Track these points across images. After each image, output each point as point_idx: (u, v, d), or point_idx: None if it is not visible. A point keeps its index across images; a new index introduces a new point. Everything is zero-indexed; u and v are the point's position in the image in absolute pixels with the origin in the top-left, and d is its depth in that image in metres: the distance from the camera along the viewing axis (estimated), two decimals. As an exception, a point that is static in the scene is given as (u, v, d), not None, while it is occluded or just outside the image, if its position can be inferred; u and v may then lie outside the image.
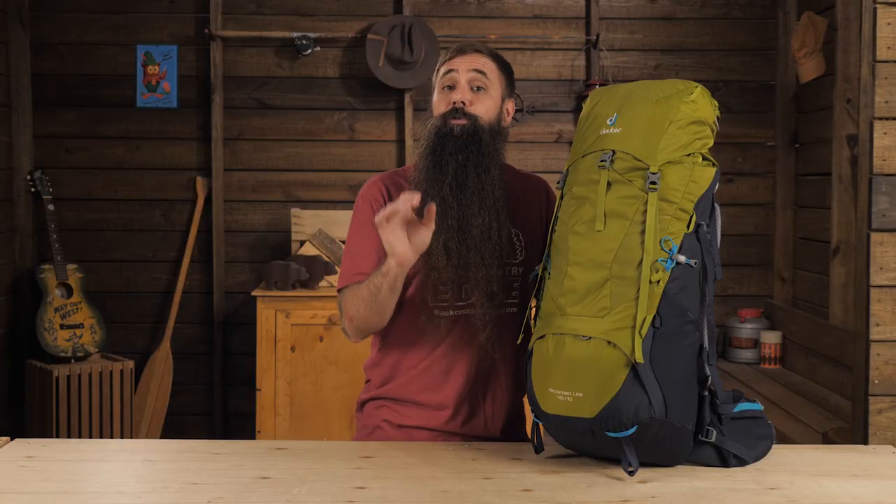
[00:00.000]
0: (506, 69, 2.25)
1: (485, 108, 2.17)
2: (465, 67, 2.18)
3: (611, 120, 1.87)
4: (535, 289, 1.94)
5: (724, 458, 1.84)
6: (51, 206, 4.55)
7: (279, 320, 4.11)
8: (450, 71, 2.18)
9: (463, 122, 2.14)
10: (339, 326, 2.21)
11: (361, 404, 2.28)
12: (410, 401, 2.19)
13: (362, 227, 2.19)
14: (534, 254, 2.23)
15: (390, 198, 2.18)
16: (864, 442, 2.17)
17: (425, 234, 1.95)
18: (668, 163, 1.79)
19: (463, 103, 2.15)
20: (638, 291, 1.73)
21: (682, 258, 1.76)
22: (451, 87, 2.18)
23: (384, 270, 2.01)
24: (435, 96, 2.21)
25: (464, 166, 2.11)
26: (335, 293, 2.26)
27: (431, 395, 2.17)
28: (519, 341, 2.10)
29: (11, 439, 2.02)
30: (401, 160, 4.73)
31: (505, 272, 2.16)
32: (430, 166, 2.12)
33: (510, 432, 2.23)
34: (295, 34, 4.67)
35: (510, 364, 2.21)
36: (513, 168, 2.29)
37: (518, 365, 2.22)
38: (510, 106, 2.26)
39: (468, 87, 2.17)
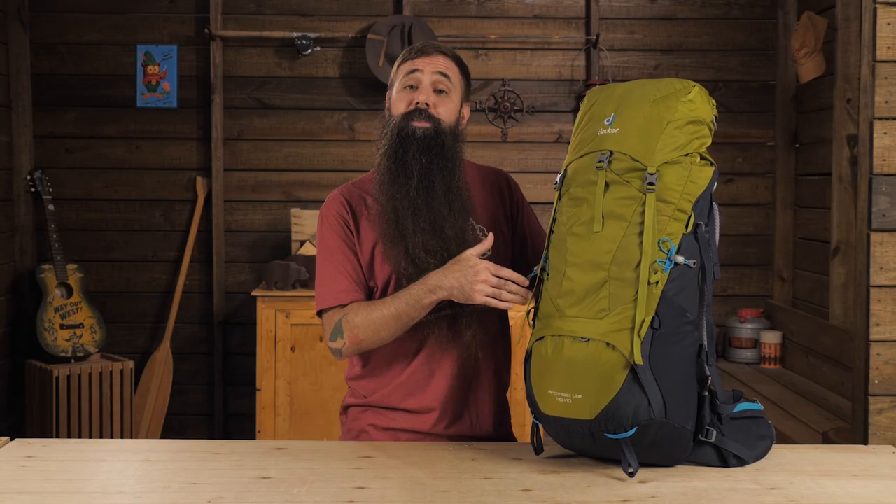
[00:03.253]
0: (465, 74, 2.22)
1: (447, 111, 2.15)
2: (430, 69, 2.15)
3: (608, 120, 1.87)
4: (534, 289, 1.94)
5: (724, 458, 1.84)
6: (51, 206, 4.56)
7: (279, 320, 4.11)
8: (413, 70, 2.15)
9: (426, 125, 2.11)
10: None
11: (346, 408, 2.27)
12: (396, 408, 2.18)
13: (332, 245, 2.17)
14: (500, 249, 2.20)
15: (352, 212, 2.17)
16: (864, 442, 2.17)
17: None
18: (665, 163, 1.79)
19: (427, 105, 2.12)
20: (636, 293, 1.73)
21: (680, 259, 1.75)
22: (414, 87, 2.15)
23: (428, 303, 2.04)
24: (394, 94, 2.17)
25: (428, 169, 2.09)
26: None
27: (416, 400, 2.16)
28: (517, 342, 2.09)
29: (11, 439, 2.02)
30: (401, 160, 4.72)
31: None
32: (395, 167, 2.10)
33: (497, 429, 2.23)
34: (295, 34, 4.67)
35: (490, 361, 2.20)
36: (471, 163, 2.27)
37: (497, 361, 2.22)
38: (466, 111, 2.22)
39: (432, 88, 2.14)
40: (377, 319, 2.07)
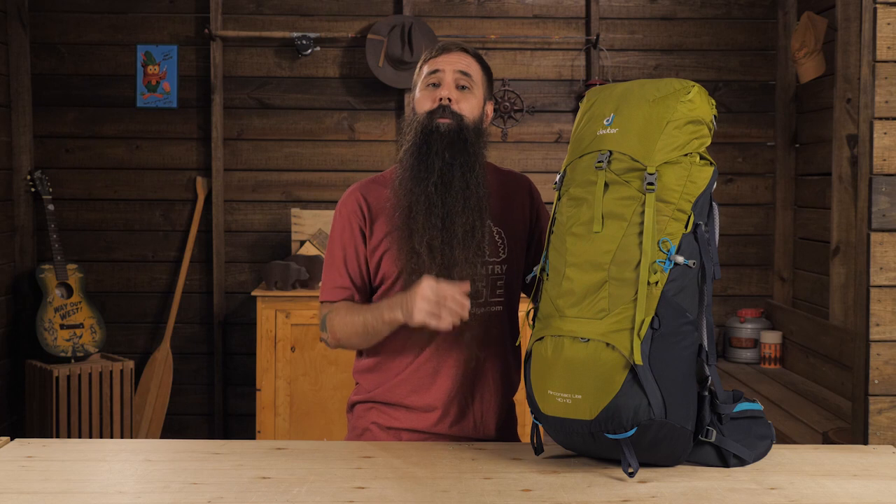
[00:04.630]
0: (487, 72, 2.25)
1: (469, 107, 2.17)
2: (451, 67, 2.17)
3: (608, 120, 1.87)
4: (534, 290, 1.94)
5: (724, 458, 1.84)
6: (51, 206, 4.56)
7: (279, 320, 4.11)
8: (435, 70, 2.18)
9: (449, 120, 2.13)
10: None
11: (352, 405, 2.28)
12: (399, 404, 2.19)
13: (337, 240, 2.22)
14: (517, 252, 2.22)
15: (368, 209, 2.20)
16: (864, 442, 2.17)
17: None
18: (665, 163, 1.79)
19: (449, 100, 2.15)
20: (636, 293, 1.73)
21: (680, 259, 1.76)
22: (436, 85, 2.17)
23: (387, 319, 2.05)
24: (418, 93, 2.20)
25: (450, 165, 2.11)
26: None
27: (420, 397, 2.17)
28: (518, 342, 2.09)
29: (11, 439, 2.02)
30: (401, 160, 4.73)
31: (488, 270, 2.16)
32: (416, 164, 2.13)
33: (502, 432, 2.23)
34: (295, 34, 4.67)
35: (498, 363, 2.20)
36: (494, 166, 2.29)
37: (507, 363, 2.22)
38: (489, 108, 2.25)
39: (454, 85, 2.17)
40: (349, 325, 2.14)
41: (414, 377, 2.17)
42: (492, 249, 2.17)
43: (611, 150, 1.83)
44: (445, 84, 2.16)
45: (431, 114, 2.15)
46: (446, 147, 2.11)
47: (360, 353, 2.28)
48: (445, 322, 1.96)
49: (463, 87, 2.17)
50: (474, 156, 2.14)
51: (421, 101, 2.18)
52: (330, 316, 2.18)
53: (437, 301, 1.95)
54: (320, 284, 2.23)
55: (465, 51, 2.21)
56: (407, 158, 2.15)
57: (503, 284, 2.20)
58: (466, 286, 1.97)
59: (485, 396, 2.19)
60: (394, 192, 2.15)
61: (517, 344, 2.18)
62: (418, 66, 2.24)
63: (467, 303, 1.96)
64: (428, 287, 1.96)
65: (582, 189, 1.84)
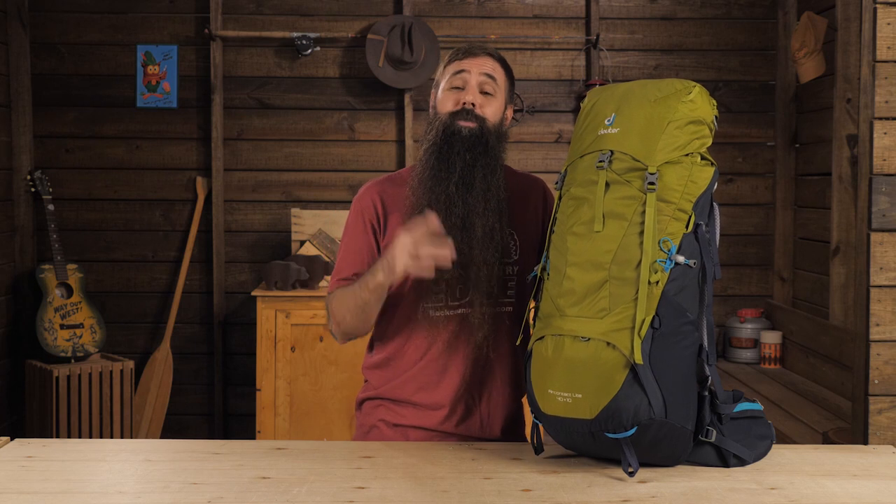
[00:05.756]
0: (510, 76, 2.26)
1: (492, 111, 2.18)
2: (477, 70, 2.18)
3: (609, 120, 1.87)
4: (534, 289, 1.94)
5: (724, 458, 1.85)
6: (51, 206, 4.56)
7: (279, 320, 4.11)
8: (461, 71, 2.18)
9: (471, 124, 2.14)
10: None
11: (360, 403, 2.29)
12: (406, 401, 2.19)
13: (348, 235, 2.23)
14: (528, 254, 2.23)
15: (383, 207, 2.20)
16: (864, 442, 2.17)
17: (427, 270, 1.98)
18: (666, 163, 1.79)
19: (473, 105, 2.16)
20: (637, 292, 1.73)
21: (680, 258, 1.76)
22: (461, 87, 2.18)
23: (372, 286, 2.04)
24: (440, 93, 2.21)
25: (471, 166, 2.13)
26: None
27: (427, 394, 2.18)
28: (518, 342, 2.10)
29: (11, 439, 2.02)
30: (401, 160, 4.73)
31: (501, 272, 2.17)
32: (437, 164, 2.14)
33: (509, 433, 2.23)
34: (295, 34, 4.67)
35: (506, 364, 2.21)
36: (509, 168, 2.30)
37: (515, 365, 2.22)
38: (510, 112, 2.27)
39: (478, 89, 2.18)
40: (342, 304, 2.13)
41: (422, 374, 2.18)
42: (505, 250, 2.18)
43: (612, 150, 1.83)
44: (470, 87, 2.17)
45: (454, 115, 2.15)
46: (468, 149, 2.12)
47: (369, 349, 2.29)
48: (427, 268, 1.95)
49: (486, 93, 2.18)
50: (495, 159, 2.16)
51: (444, 101, 2.19)
52: (329, 298, 2.20)
53: (415, 246, 1.95)
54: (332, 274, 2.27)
55: (491, 55, 2.22)
56: (427, 158, 2.16)
57: (514, 286, 2.21)
58: (448, 248, 1.95)
59: (492, 396, 2.20)
60: (413, 192, 2.16)
61: (518, 343, 2.18)
62: (442, 66, 2.24)
63: (447, 253, 1.94)
64: (407, 236, 1.96)
65: (583, 189, 1.85)
